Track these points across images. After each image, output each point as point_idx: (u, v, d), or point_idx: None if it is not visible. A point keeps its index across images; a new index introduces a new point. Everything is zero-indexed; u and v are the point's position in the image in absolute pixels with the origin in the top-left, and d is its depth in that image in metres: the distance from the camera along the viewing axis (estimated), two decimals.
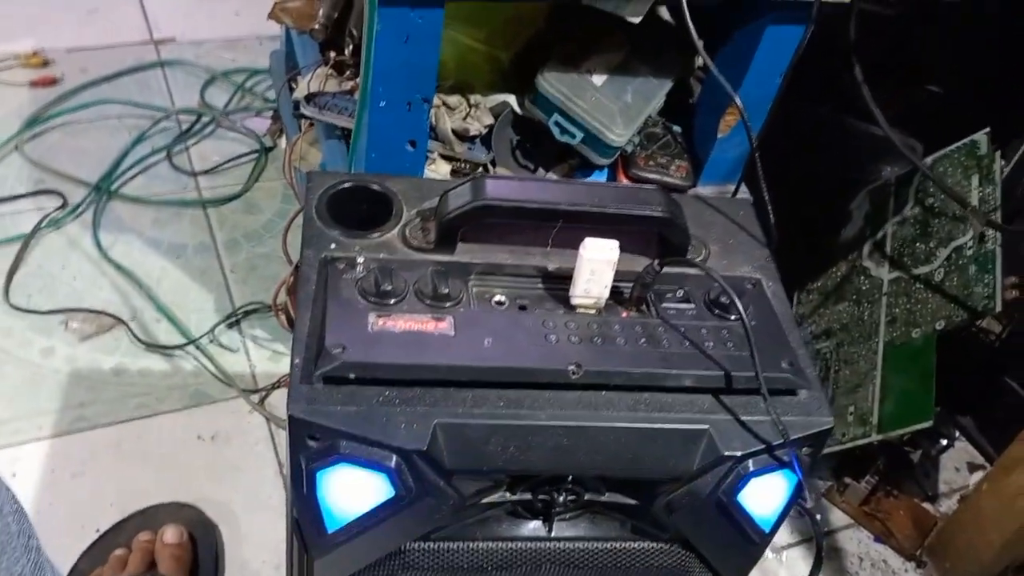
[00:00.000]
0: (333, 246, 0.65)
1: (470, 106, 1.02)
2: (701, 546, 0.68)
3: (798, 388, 0.62)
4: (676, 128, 1.08)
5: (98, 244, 1.36)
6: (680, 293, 0.66)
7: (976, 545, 1.03)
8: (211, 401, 1.19)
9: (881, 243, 1.24)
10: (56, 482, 1.08)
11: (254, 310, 1.30)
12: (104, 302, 1.28)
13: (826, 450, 1.13)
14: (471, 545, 0.66)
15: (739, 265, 0.71)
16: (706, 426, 0.59)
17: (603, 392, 0.59)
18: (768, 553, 1.13)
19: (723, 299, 0.64)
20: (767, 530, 0.65)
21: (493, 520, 0.66)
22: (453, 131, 1.00)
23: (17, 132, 1.52)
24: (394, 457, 0.55)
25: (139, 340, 1.24)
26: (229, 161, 1.54)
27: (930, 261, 1.14)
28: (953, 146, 1.20)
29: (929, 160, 1.22)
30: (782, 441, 0.59)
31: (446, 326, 0.59)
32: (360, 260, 0.63)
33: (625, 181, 1.04)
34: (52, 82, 1.63)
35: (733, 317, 0.64)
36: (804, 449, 0.61)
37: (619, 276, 0.62)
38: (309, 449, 0.56)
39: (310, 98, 1.05)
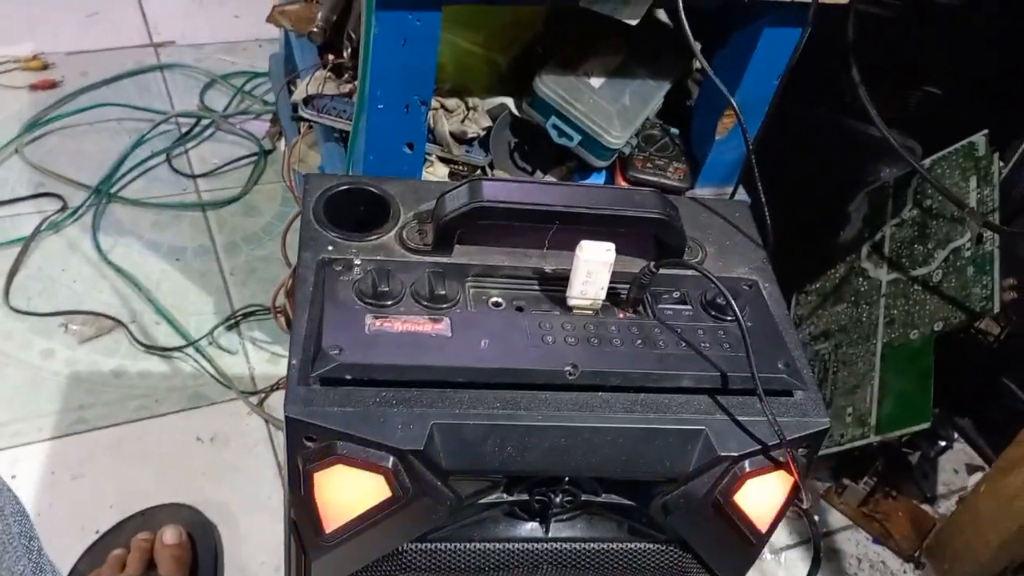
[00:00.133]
0: (330, 248, 0.65)
1: (468, 109, 1.02)
2: (698, 547, 0.68)
3: (794, 389, 0.62)
4: (674, 130, 1.08)
5: (98, 247, 1.36)
6: (677, 294, 0.66)
7: (974, 546, 1.04)
8: (210, 403, 1.19)
9: (879, 245, 1.24)
10: (56, 483, 1.08)
11: (253, 312, 1.30)
12: (104, 304, 1.29)
13: (825, 451, 1.13)
14: (468, 546, 0.66)
15: (736, 267, 0.71)
16: (702, 427, 0.59)
17: (600, 393, 0.59)
18: (767, 554, 1.13)
19: (719, 300, 0.64)
20: (764, 531, 0.65)
21: (490, 521, 0.66)
22: (451, 133, 1.01)
23: (17, 135, 1.52)
24: (391, 458, 0.56)
25: (139, 342, 1.24)
26: (228, 164, 1.54)
27: (928, 263, 1.14)
28: (951, 148, 1.20)
29: (927, 162, 1.22)
30: (778, 442, 0.59)
31: (443, 327, 0.59)
32: (357, 262, 0.63)
33: (623, 183, 1.04)
34: (52, 85, 1.63)
35: (729, 318, 0.64)
36: (800, 450, 0.61)
37: (616, 277, 0.62)
38: (306, 450, 0.56)
39: (308, 101, 1.05)
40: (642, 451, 0.59)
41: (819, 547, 1.10)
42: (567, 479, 0.63)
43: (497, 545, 0.67)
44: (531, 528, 0.67)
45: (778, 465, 0.60)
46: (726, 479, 0.60)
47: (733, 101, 0.80)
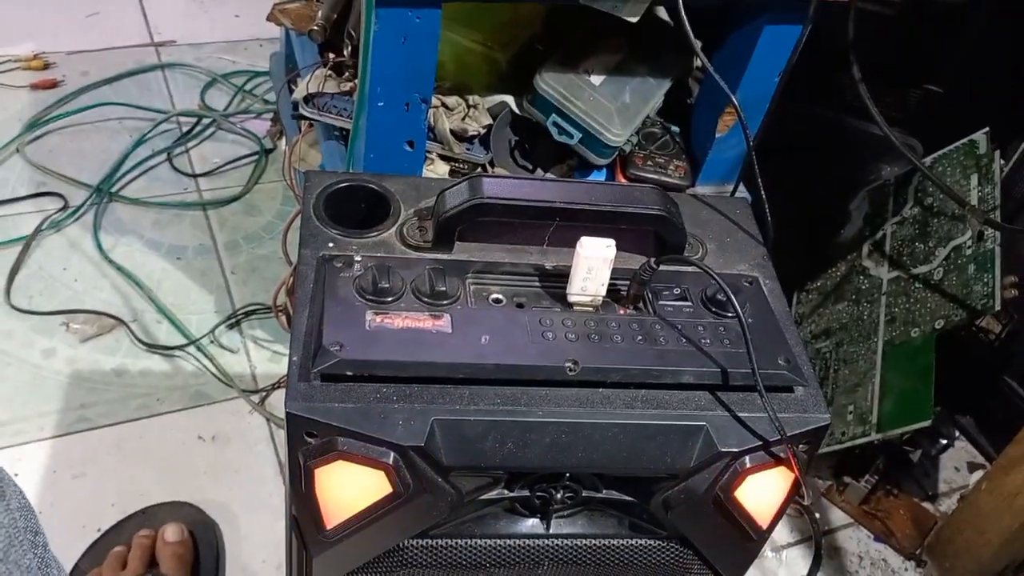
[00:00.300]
0: (331, 245, 0.65)
1: (468, 106, 1.02)
2: (699, 543, 0.68)
3: (795, 385, 0.62)
4: (674, 128, 1.08)
5: (99, 246, 1.36)
6: (677, 291, 0.66)
7: (975, 544, 1.04)
8: (211, 401, 1.19)
9: (880, 243, 1.24)
10: (57, 482, 1.08)
11: (254, 311, 1.30)
12: (105, 303, 1.29)
13: (826, 449, 1.13)
14: (469, 542, 0.66)
15: (736, 263, 0.71)
16: (703, 423, 0.59)
17: (600, 389, 0.59)
18: (768, 552, 1.13)
19: (720, 296, 0.64)
20: (764, 527, 0.65)
21: (491, 517, 0.66)
22: (451, 131, 1.01)
23: (18, 134, 1.52)
24: (392, 454, 0.56)
25: (140, 341, 1.24)
26: (229, 163, 1.54)
27: (929, 260, 1.14)
28: (952, 146, 1.20)
29: (928, 160, 1.22)
30: (779, 438, 0.59)
31: (443, 324, 0.60)
32: (358, 259, 0.63)
33: (623, 181, 1.04)
34: (53, 85, 1.63)
35: (730, 314, 0.64)
36: (801, 446, 0.61)
37: (616, 274, 0.62)
38: (307, 446, 0.56)
39: (309, 99, 1.05)
40: (643, 447, 0.59)
41: (820, 545, 1.10)
42: (568, 475, 0.63)
43: (498, 541, 0.67)
44: (532, 524, 0.67)
45: (779, 461, 0.60)
46: (727, 475, 0.60)
47: (734, 99, 0.80)
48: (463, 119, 1.01)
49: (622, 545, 0.68)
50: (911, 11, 1.25)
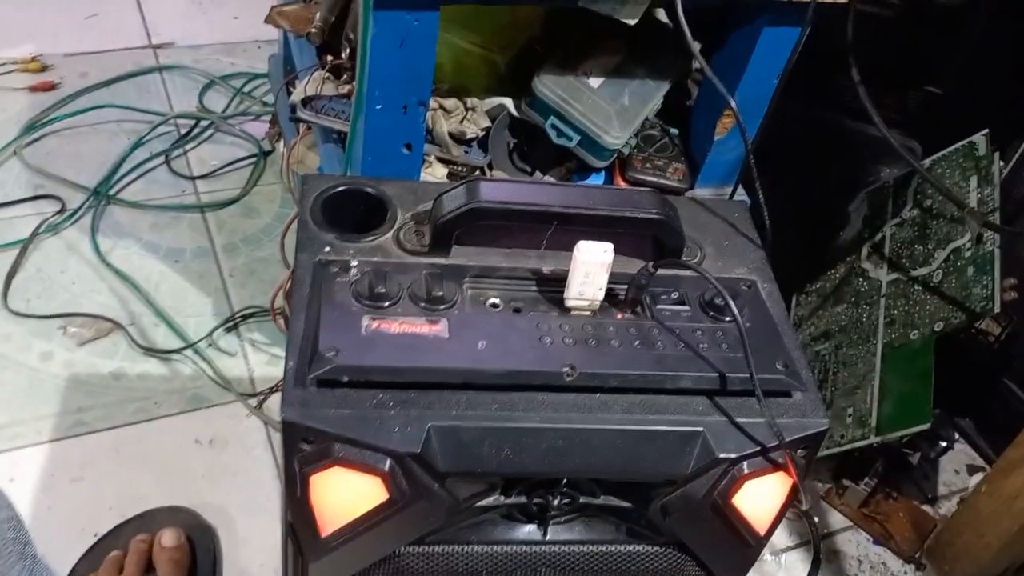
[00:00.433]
0: (327, 249, 0.65)
1: (467, 109, 1.02)
2: (697, 549, 0.68)
3: (793, 390, 0.62)
4: (673, 130, 1.08)
5: (96, 249, 1.36)
6: (675, 295, 0.66)
7: (975, 547, 1.03)
8: (209, 405, 1.19)
9: (879, 245, 1.24)
10: (54, 486, 1.08)
11: (252, 314, 1.30)
12: (102, 306, 1.28)
13: (825, 452, 1.13)
14: (466, 549, 0.66)
15: (734, 267, 0.71)
16: (701, 428, 0.59)
17: (597, 394, 0.59)
18: (767, 556, 1.13)
19: (718, 301, 0.64)
20: (763, 532, 0.65)
21: (488, 524, 0.66)
22: (450, 134, 1.00)
23: (16, 137, 1.52)
24: (388, 460, 0.55)
25: (137, 344, 1.24)
26: (228, 165, 1.54)
27: (928, 263, 1.14)
28: (951, 148, 1.20)
29: (927, 161, 1.22)
30: (777, 443, 0.59)
31: (440, 329, 0.59)
32: (354, 263, 0.63)
33: (622, 183, 1.04)
34: (51, 87, 1.63)
35: (728, 319, 0.63)
36: (799, 451, 0.61)
37: (614, 278, 0.62)
38: (303, 452, 0.56)
39: (307, 102, 1.05)
40: (640, 453, 0.59)
41: (819, 548, 1.09)
42: (565, 481, 0.62)
43: (495, 548, 0.66)
44: (529, 531, 0.66)
45: (777, 467, 0.60)
46: (725, 481, 0.60)
47: (732, 101, 0.80)
48: (461, 121, 1.01)
49: (620, 551, 0.68)
50: (910, 13, 1.25)
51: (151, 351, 1.24)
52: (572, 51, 1.00)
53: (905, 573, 1.15)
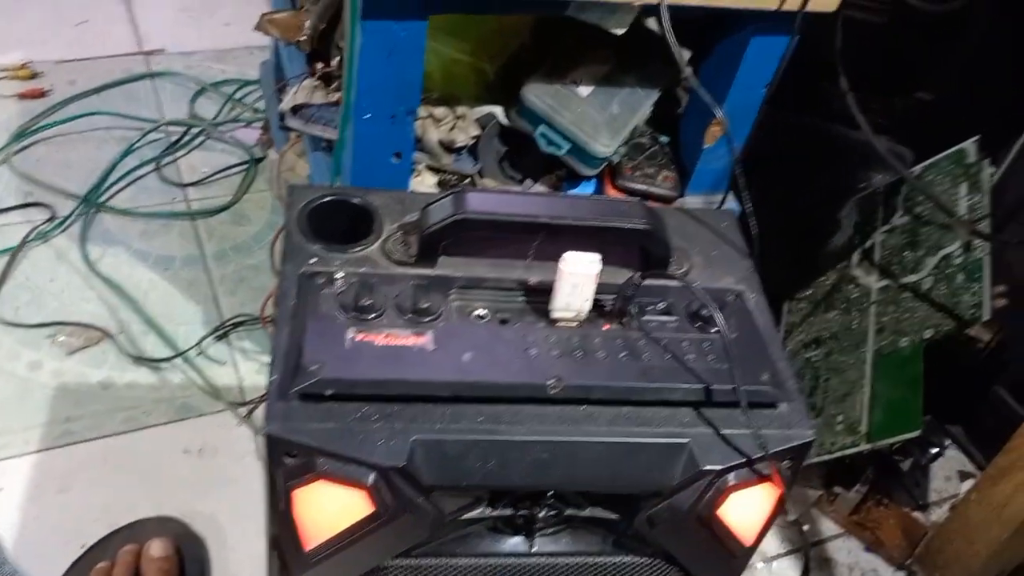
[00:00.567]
0: (313, 261, 0.64)
1: (456, 117, 1.02)
2: (684, 560, 0.67)
3: (779, 401, 0.61)
4: (663, 138, 1.08)
5: (86, 257, 1.36)
6: (662, 305, 0.66)
7: (965, 555, 1.03)
8: (198, 414, 1.18)
9: (870, 252, 1.24)
10: (42, 496, 1.07)
11: (242, 322, 1.30)
12: (92, 315, 1.28)
13: (816, 459, 1.13)
14: (452, 562, 0.66)
15: (721, 277, 0.70)
16: (686, 440, 0.59)
17: (583, 406, 0.59)
18: (758, 563, 1.13)
19: (704, 312, 0.63)
20: (750, 544, 0.65)
21: (474, 536, 0.65)
22: (439, 142, 1.00)
23: (5, 145, 1.52)
24: (372, 474, 0.55)
25: (127, 353, 1.23)
26: (218, 172, 1.54)
27: (918, 270, 1.14)
28: (942, 154, 1.20)
29: (918, 168, 1.22)
30: (762, 455, 0.58)
31: (425, 341, 0.59)
32: (340, 275, 0.63)
33: (613, 191, 1.04)
34: (41, 94, 1.63)
35: (714, 330, 0.63)
36: (785, 462, 0.61)
37: (601, 288, 0.62)
38: (286, 466, 0.56)
39: (296, 110, 1.05)
40: (626, 465, 0.59)
41: (808, 556, 1.09)
42: (551, 493, 0.62)
43: (481, 560, 0.66)
44: (515, 543, 0.66)
45: (763, 478, 0.60)
46: (710, 492, 0.60)
47: (718, 112, 0.80)
48: (451, 130, 1.01)
49: (607, 563, 0.68)
50: (900, 19, 1.25)
51: (140, 360, 1.23)
52: (561, 60, 1.00)
53: None
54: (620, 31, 0.88)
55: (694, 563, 0.68)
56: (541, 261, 0.66)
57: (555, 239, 0.63)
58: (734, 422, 0.60)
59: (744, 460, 0.59)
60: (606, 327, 0.63)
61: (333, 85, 1.07)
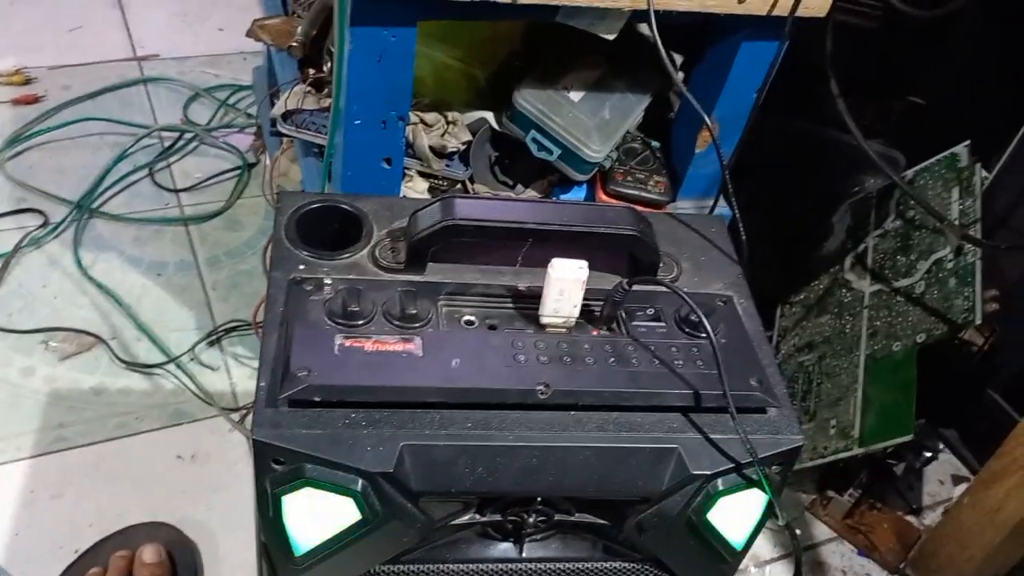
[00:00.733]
0: (302, 267, 0.65)
1: (447, 123, 1.02)
2: (673, 565, 0.67)
3: (768, 406, 0.61)
4: (655, 143, 1.08)
5: (79, 262, 1.35)
6: (651, 311, 0.66)
7: (958, 559, 1.03)
8: (191, 420, 1.18)
9: (862, 256, 1.24)
10: (35, 502, 1.07)
11: (235, 328, 1.30)
12: (84, 321, 1.28)
13: (809, 463, 1.13)
14: (441, 567, 0.66)
15: (711, 282, 0.70)
16: (675, 445, 0.59)
17: (572, 412, 0.59)
18: (751, 568, 1.12)
19: (693, 317, 0.64)
20: (739, 548, 0.65)
21: (463, 542, 0.65)
22: (431, 148, 1.00)
23: None
24: (360, 480, 0.55)
25: (119, 359, 1.23)
26: (211, 178, 1.54)
27: (911, 274, 1.14)
28: (934, 159, 1.20)
29: (910, 173, 1.23)
30: (751, 460, 0.58)
31: (414, 347, 0.59)
32: (328, 281, 0.63)
33: (604, 197, 1.04)
34: (34, 100, 1.62)
35: (703, 335, 0.63)
36: (774, 467, 0.61)
37: (590, 294, 0.62)
38: (274, 473, 0.56)
39: (287, 115, 1.05)
40: (615, 471, 0.59)
41: (800, 561, 1.09)
42: (540, 499, 0.62)
43: (471, 566, 0.66)
44: (505, 548, 0.66)
45: (751, 483, 0.60)
46: (699, 498, 0.60)
47: (707, 119, 0.80)
48: (442, 135, 1.01)
49: (596, 568, 0.68)
50: (891, 24, 1.25)
51: (133, 366, 1.23)
52: (552, 65, 1.00)
53: None
54: (611, 36, 0.88)
55: (684, 568, 0.68)
56: (530, 267, 0.66)
57: (543, 245, 0.64)
58: (723, 427, 0.60)
59: (733, 465, 0.59)
60: (595, 333, 0.63)
61: (324, 91, 1.08)
